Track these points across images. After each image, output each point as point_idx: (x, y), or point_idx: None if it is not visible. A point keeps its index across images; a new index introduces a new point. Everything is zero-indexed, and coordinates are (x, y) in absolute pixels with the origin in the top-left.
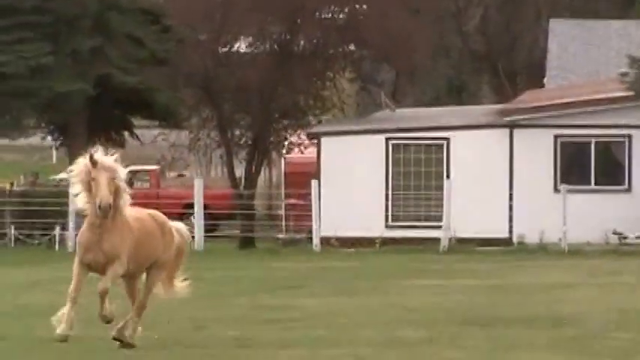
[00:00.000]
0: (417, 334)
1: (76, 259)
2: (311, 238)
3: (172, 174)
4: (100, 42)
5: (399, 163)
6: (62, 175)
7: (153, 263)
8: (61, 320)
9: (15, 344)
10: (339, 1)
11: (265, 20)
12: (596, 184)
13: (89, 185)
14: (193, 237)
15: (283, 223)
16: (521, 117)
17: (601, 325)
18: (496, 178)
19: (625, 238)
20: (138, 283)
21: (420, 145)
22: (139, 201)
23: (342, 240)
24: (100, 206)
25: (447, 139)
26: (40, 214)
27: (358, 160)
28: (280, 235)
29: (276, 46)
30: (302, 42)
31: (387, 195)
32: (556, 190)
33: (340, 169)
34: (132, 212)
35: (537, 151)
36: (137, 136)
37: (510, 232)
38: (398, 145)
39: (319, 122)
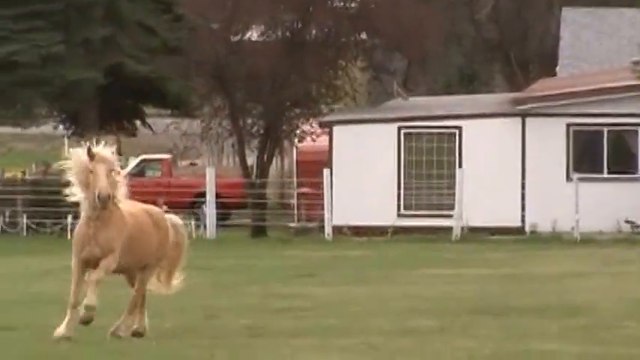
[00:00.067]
0: (429, 323)
1: (74, 259)
2: (323, 227)
3: (184, 163)
4: (111, 31)
5: (411, 152)
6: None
7: (148, 260)
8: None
9: (27, 333)
10: None
11: (277, 9)
12: (608, 172)
13: (87, 178)
14: (205, 226)
15: (295, 212)
16: (534, 106)
17: (613, 314)
18: (508, 166)
19: (637, 226)
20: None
21: (432, 133)
22: (151, 189)
23: (354, 229)
24: (99, 196)
25: (459, 127)
26: (51, 202)
27: (370, 148)
28: (292, 224)
29: (288, 35)
30: (314, 31)
31: (399, 184)
32: (568, 178)
33: (352, 157)
34: (127, 207)
35: (550, 139)
36: (149, 125)
37: (522, 221)
38: (410, 133)
39: (331, 111)
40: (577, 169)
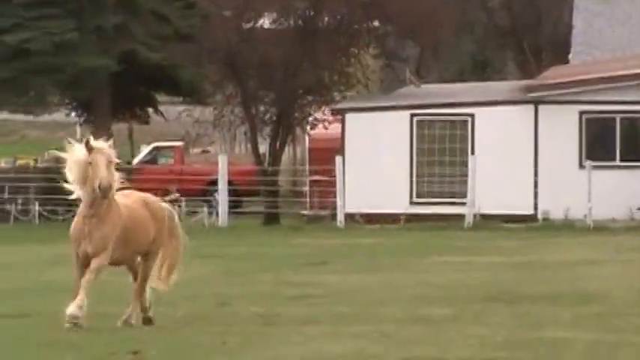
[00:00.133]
0: (441, 310)
1: (73, 256)
2: (335, 215)
3: (196, 150)
4: (124, 18)
5: (424, 140)
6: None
7: (146, 249)
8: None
9: (39, 320)
10: None
11: None
12: (621, 160)
13: (85, 171)
14: (217, 214)
15: (307, 199)
16: (546, 93)
17: (626, 301)
18: (521, 154)
19: None
20: (137, 265)
21: (444, 121)
22: (163, 177)
23: (367, 216)
24: (100, 186)
25: (471, 115)
26: (64, 190)
27: (383, 136)
28: (304, 212)
29: (300, 22)
30: (326, 18)
31: (411, 171)
32: (581, 166)
33: (364, 145)
34: (123, 199)
35: (562, 127)
36: (161, 113)
37: (535, 208)
38: (422, 121)
39: (344, 98)
40: (590, 157)
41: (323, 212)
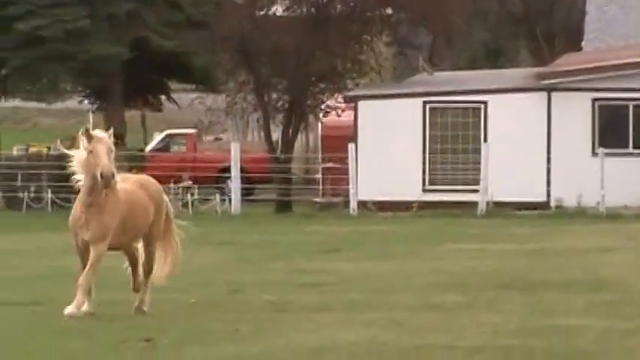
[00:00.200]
0: (454, 298)
1: (73, 244)
2: (348, 202)
3: (209, 138)
4: (136, 6)
5: (437, 127)
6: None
7: (145, 232)
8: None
9: (52, 308)
10: None
11: None
12: (634, 147)
13: (86, 160)
14: (230, 201)
15: (320, 187)
16: (559, 80)
17: (639, 289)
18: (534, 141)
19: None
20: (136, 251)
21: (457, 108)
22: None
23: (379, 204)
24: (102, 175)
25: (484, 102)
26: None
27: (395, 123)
28: (317, 199)
29: (312, 10)
30: (339, 5)
31: (424, 159)
32: (594, 153)
33: (377, 132)
34: (120, 183)
35: (575, 114)
36: (174, 100)
37: (548, 195)
38: (435, 108)
39: (356, 86)
40: (602, 144)
41: (335, 200)
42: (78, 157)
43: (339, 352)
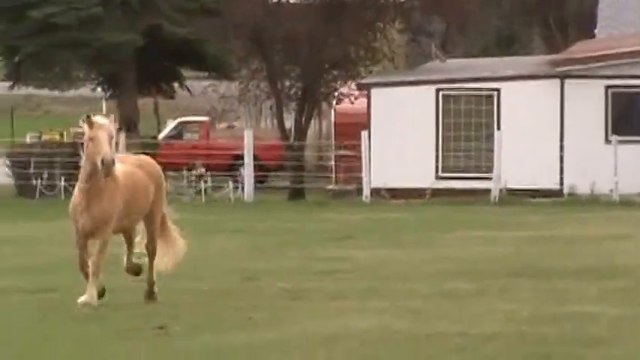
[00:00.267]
0: (467, 285)
1: (73, 231)
2: (361, 190)
3: (222, 125)
4: None
5: (449, 114)
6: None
7: (147, 213)
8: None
9: (66, 295)
10: None
11: None
12: None
13: (86, 147)
14: (243, 188)
15: (333, 174)
16: (572, 68)
17: None
18: (547, 129)
19: None
20: (133, 231)
21: (470, 95)
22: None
23: (392, 191)
24: (103, 162)
25: (497, 89)
26: None
27: (408, 111)
28: (330, 187)
29: None
30: None
31: (437, 146)
32: (607, 141)
33: (390, 120)
34: (119, 165)
35: (588, 101)
36: (187, 88)
37: (561, 183)
38: (448, 95)
39: (369, 73)
40: (616, 132)
41: (348, 187)
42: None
43: (353, 339)
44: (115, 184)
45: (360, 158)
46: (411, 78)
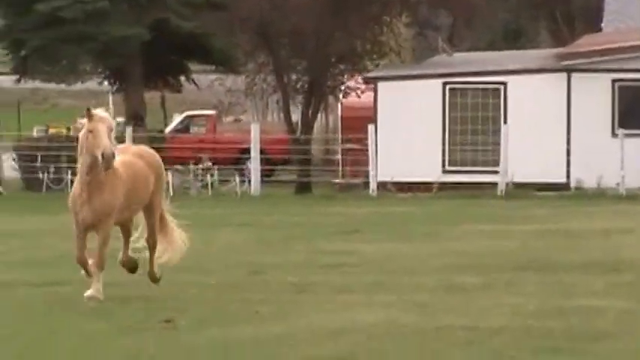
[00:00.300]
0: (473, 279)
1: (72, 221)
2: (367, 183)
3: (229, 119)
4: None
5: (456, 108)
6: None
7: (146, 203)
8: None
9: (77, 288)
10: None
11: None
12: None
13: (85, 139)
14: (249, 182)
15: (340, 168)
16: (579, 61)
17: None
18: (553, 122)
19: None
20: (130, 223)
21: (477, 89)
22: (196, 146)
23: (399, 185)
24: (103, 156)
25: (504, 83)
26: None
27: (415, 104)
28: (336, 180)
29: None
30: None
31: (443, 140)
32: (614, 134)
33: (397, 113)
34: (120, 157)
35: (595, 95)
36: (193, 81)
37: (568, 176)
38: (455, 89)
39: (376, 67)
40: (622, 125)
41: (355, 181)
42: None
43: (359, 333)
44: (115, 176)
45: (366, 152)
46: (418, 72)
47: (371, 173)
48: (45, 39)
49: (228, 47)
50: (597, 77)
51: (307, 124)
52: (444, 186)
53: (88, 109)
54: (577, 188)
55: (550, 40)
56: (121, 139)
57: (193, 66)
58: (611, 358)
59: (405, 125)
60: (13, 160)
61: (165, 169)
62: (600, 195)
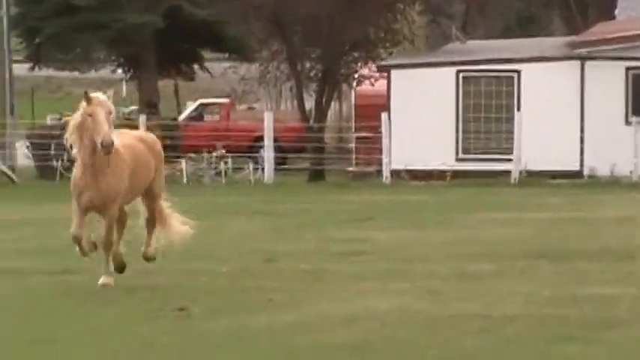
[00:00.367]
0: (487, 267)
1: (73, 202)
2: (381, 171)
3: (242, 107)
4: None
5: (470, 96)
6: (132, 108)
7: (147, 188)
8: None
9: (83, 277)
10: None
11: None
12: None
13: (84, 123)
14: (263, 170)
15: (353, 156)
16: (592, 49)
17: None
18: (567, 110)
19: None
20: (125, 217)
21: (490, 77)
22: (209, 134)
23: (412, 173)
24: (102, 144)
25: (517, 71)
26: None
27: (428, 92)
28: (350, 168)
29: None
30: None
31: (457, 128)
32: (627, 122)
33: (410, 101)
34: (121, 140)
35: (608, 83)
36: (207, 69)
37: (581, 164)
38: (468, 77)
39: (389, 55)
40: (636, 113)
41: (369, 169)
42: (74, 121)
43: (372, 320)
44: (118, 159)
45: (380, 140)
46: (432, 59)
47: (384, 161)
48: (59, 27)
49: (242, 35)
50: (611, 65)
51: (321, 112)
52: (457, 174)
53: (86, 92)
54: (590, 176)
55: (563, 28)
56: (134, 127)
57: (207, 54)
58: (624, 345)
59: (419, 113)
60: (27, 148)
61: (179, 157)
62: (614, 183)
